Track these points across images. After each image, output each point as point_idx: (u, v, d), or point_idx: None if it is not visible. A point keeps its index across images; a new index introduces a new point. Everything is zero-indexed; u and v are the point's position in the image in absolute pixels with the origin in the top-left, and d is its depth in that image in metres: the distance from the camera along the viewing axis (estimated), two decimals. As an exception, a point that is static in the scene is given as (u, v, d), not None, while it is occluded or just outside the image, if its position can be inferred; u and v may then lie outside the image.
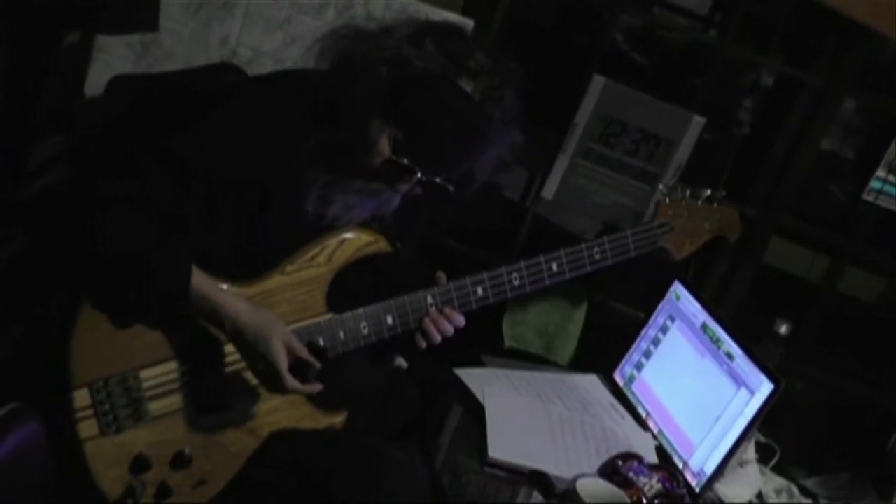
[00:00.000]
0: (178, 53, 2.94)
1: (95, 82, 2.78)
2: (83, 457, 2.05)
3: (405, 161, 2.08)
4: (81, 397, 2.03)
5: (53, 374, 2.02)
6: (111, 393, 2.05)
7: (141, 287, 1.95)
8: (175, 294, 1.97)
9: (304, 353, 2.08)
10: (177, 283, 1.97)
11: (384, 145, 2.08)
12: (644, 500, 2.27)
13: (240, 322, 2.02)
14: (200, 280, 2.00)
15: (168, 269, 1.96)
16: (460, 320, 2.27)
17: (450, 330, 2.27)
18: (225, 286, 2.09)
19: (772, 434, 2.80)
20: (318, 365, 2.09)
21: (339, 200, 2.12)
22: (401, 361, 2.67)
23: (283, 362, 2.03)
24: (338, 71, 2.12)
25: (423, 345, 2.27)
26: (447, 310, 2.26)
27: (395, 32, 2.12)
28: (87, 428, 2.04)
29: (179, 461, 2.12)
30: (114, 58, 2.93)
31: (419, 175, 2.10)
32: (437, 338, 2.26)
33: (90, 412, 2.04)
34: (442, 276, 2.28)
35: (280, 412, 2.19)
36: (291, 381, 2.06)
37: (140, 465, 2.09)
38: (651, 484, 2.30)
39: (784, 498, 2.66)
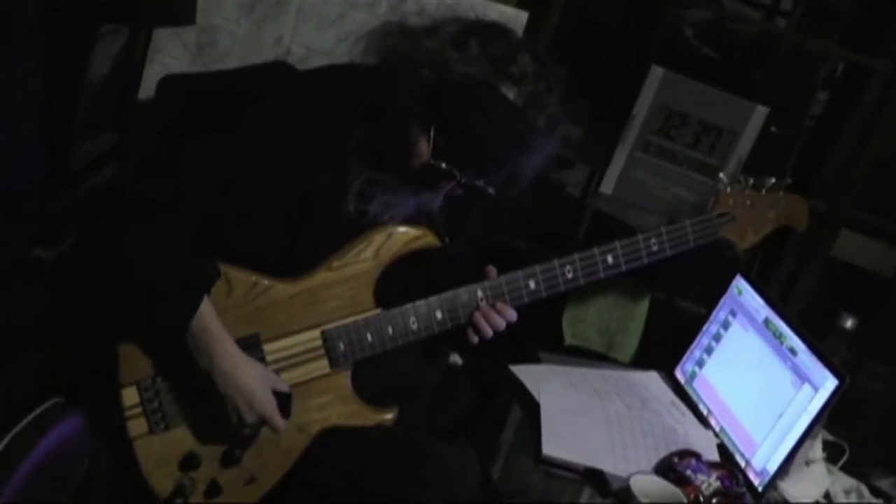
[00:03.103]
0: (233, 53, 2.95)
1: (152, 83, 2.80)
2: (133, 454, 2.06)
3: (443, 166, 2.04)
4: (130, 395, 2.05)
5: (102, 373, 2.04)
6: (159, 391, 2.06)
7: (143, 311, 1.97)
8: (174, 329, 1.98)
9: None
10: (179, 318, 1.98)
11: (423, 148, 2.04)
12: (701, 499, 2.21)
13: (229, 383, 2.03)
14: (208, 321, 2.00)
15: (174, 302, 1.97)
16: (511, 315, 2.23)
17: (501, 324, 2.23)
18: (266, 281, 2.08)
19: (846, 433, 2.71)
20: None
21: (380, 198, 2.10)
22: (456, 358, 2.64)
23: (277, 417, 2.08)
24: (380, 70, 2.09)
25: (475, 340, 2.24)
26: (498, 304, 2.22)
27: (440, 32, 2.08)
28: (137, 426, 2.06)
29: (229, 459, 2.12)
30: (170, 58, 2.95)
31: (458, 179, 2.07)
32: (489, 332, 2.22)
33: (139, 410, 2.05)
34: (492, 269, 2.25)
35: (329, 409, 2.18)
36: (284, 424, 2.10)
37: (190, 462, 2.09)
38: (709, 482, 2.24)
39: (853, 498, 2.57)
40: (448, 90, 2.02)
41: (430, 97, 2.02)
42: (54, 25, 2.12)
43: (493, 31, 2.10)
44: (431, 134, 2.03)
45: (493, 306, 2.22)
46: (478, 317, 2.21)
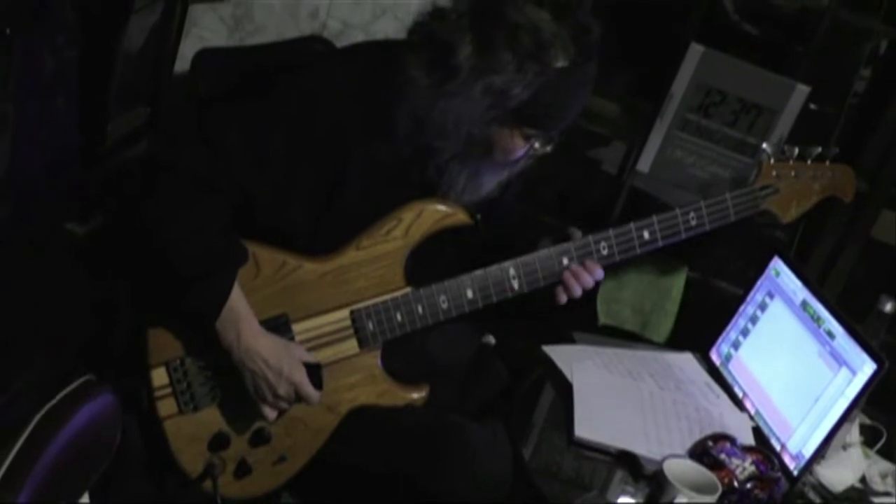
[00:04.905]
0: (269, 26, 2.95)
1: (188, 56, 2.79)
2: (163, 434, 2.07)
3: (537, 145, 2.06)
4: (159, 376, 2.05)
5: (132, 354, 2.04)
6: (188, 371, 2.06)
7: (176, 293, 1.98)
8: (206, 311, 1.99)
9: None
10: (212, 301, 1.98)
11: (518, 143, 2.05)
12: (736, 484, 2.18)
13: (256, 358, 2.04)
14: (235, 300, 2.00)
15: (207, 285, 1.97)
16: (599, 273, 2.23)
17: (590, 282, 2.22)
18: (294, 261, 2.07)
19: (884, 417, 2.67)
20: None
21: (464, 174, 2.12)
22: (489, 338, 2.62)
23: (309, 387, 2.09)
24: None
25: (563, 299, 2.23)
26: (587, 262, 2.21)
27: (457, 57, 1.97)
28: (166, 406, 2.06)
29: (259, 438, 2.12)
30: (207, 32, 2.95)
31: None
32: (578, 291, 2.22)
33: (168, 391, 2.06)
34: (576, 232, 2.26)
35: (359, 389, 2.17)
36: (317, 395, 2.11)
37: (219, 442, 2.10)
38: (744, 466, 2.21)
39: (890, 482, 2.54)
40: (522, 107, 1.99)
41: (510, 114, 2.01)
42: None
43: (503, 24, 1.97)
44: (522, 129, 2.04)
45: (583, 264, 2.22)
46: (568, 276, 2.21)
